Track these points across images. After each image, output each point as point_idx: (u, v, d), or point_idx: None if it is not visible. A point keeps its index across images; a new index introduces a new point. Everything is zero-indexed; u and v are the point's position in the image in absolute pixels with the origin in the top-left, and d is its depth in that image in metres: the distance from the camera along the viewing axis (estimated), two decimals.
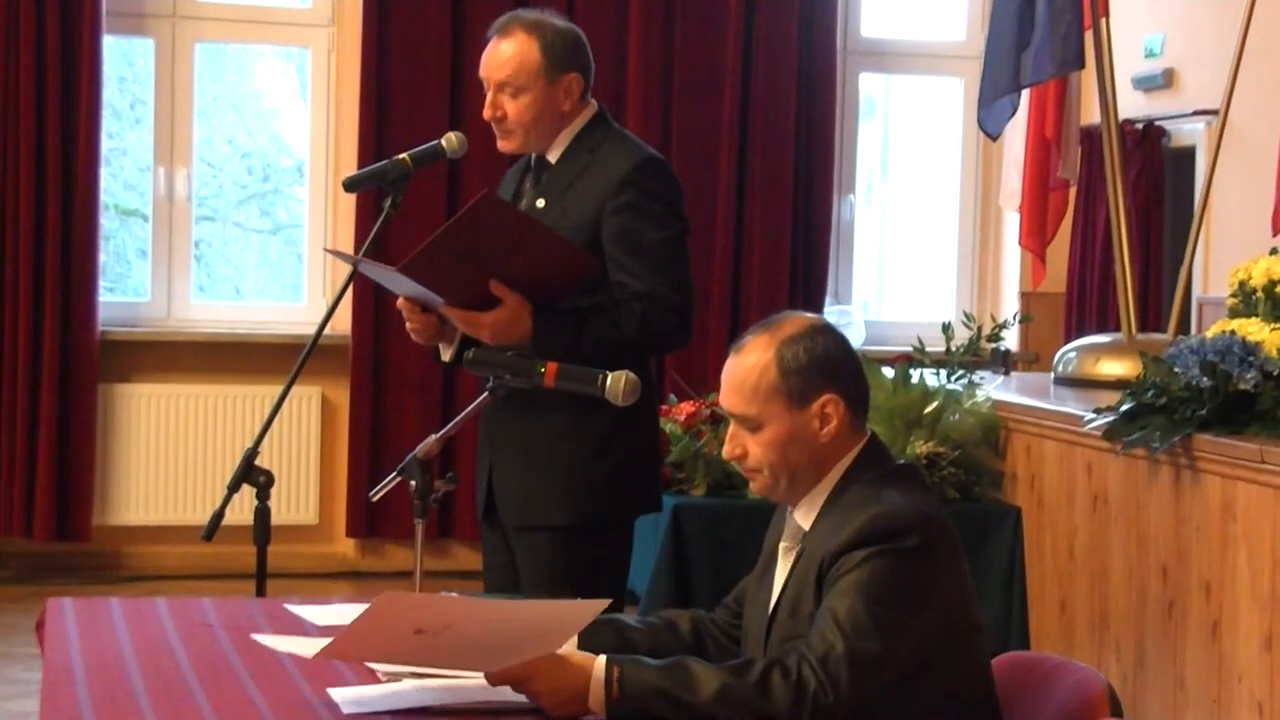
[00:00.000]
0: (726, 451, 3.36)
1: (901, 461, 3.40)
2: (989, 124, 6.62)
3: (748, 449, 3.31)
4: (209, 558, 8.87)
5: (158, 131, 9.05)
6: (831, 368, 3.28)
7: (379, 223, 4.38)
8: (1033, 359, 7.09)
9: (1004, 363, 7.04)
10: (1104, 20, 6.47)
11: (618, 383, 3.61)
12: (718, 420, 6.05)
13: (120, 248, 9.49)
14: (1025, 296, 9.52)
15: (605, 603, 3.14)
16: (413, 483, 3.55)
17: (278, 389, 8.79)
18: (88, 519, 8.74)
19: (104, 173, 8.78)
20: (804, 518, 3.31)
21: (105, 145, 8.81)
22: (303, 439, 9.04)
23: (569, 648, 3.21)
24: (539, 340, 4.23)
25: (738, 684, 3.06)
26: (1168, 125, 8.79)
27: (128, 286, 9.31)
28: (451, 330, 4.52)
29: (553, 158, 4.54)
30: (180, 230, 9.08)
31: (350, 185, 4.54)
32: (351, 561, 9.16)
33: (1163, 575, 4.95)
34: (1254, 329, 4.83)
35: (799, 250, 9.27)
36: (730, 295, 9.18)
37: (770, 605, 3.33)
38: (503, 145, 4.55)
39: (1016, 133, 6.69)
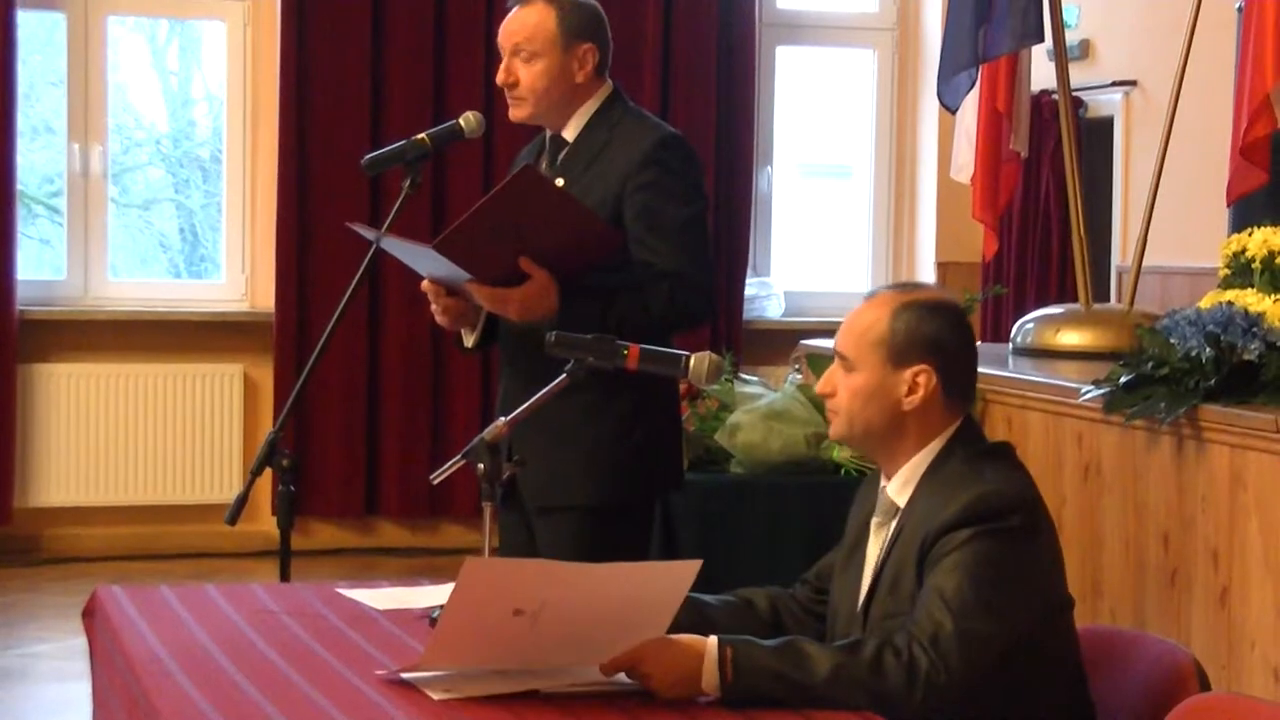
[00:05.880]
0: (820, 386, 3.41)
1: (994, 441, 3.43)
2: (948, 98, 6.67)
3: (837, 388, 3.36)
4: (132, 539, 8.79)
5: (71, 107, 8.89)
6: (938, 345, 3.32)
7: (399, 202, 4.33)
8: None
9: None
10: None
11: (701, 364, 3.58)
12: (695, 395, 6.04)
13: None
14: (941, 266, 9.62)
15: (697, 563, 3.12)
16: (480, 466, 3.54)
17: (199, 367, 8.84)
18: (8, 501, 8.62)
19: None
20: (898, 493, 3.34)
21: None
22: (225, 417, 8.94)
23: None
24: (566, 317, 4.19)
25: (851, 663, 3.07)
26: (1084, 96, 8.89)
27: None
28: (474, 314, 4.49)
29: (569, 135, 4.51)
30: (96, 207, 8.93)
31: (371, 165, 4.46)
32: (275, 540, 8.98)
33: (1164, 544, 5.00)
34: (1253, 299, 4.89)
35: (721, 224, 9.25)
36: None
37: (866, 583, 3.35)
38: (514, 114, 4.50)
39: (968, 105, 6.73)
